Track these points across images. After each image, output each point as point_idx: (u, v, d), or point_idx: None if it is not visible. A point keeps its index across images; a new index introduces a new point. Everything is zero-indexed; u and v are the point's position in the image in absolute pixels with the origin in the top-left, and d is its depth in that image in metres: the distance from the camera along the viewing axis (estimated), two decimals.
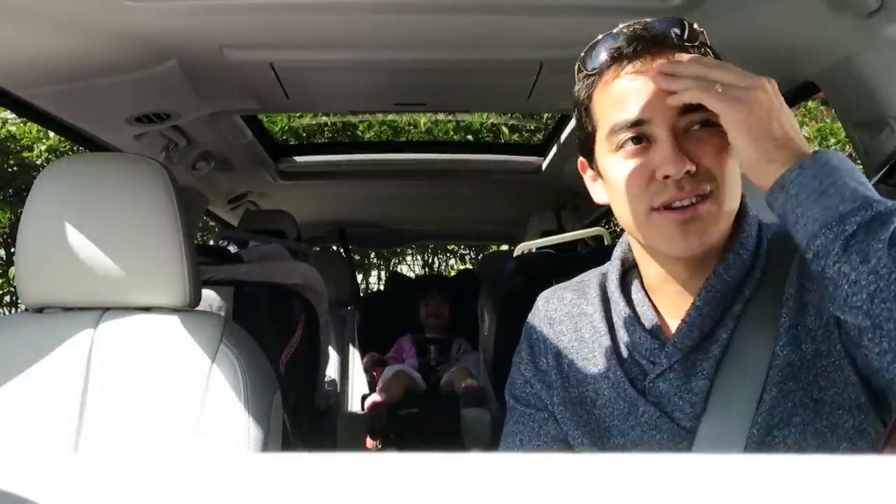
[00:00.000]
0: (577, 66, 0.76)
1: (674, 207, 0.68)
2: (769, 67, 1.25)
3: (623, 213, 0.73)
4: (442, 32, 1.20)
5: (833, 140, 4.17)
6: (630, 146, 0.70)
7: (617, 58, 0.71)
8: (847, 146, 4.00)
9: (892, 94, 1.09)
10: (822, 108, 4.21)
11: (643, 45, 0.70)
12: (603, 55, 0.72)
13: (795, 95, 1.35)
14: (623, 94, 0.70)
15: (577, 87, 0.77)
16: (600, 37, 0.73)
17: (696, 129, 0.68)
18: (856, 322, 0.59)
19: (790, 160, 0.62)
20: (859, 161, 1.23)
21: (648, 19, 0.72)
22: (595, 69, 0.73)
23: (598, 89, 0.73)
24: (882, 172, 1.12)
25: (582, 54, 0.75)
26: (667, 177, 0.67)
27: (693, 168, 0.66)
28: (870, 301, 0.56)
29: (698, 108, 0.67)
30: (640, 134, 0.69)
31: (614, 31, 0.72)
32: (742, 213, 0.74)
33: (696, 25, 0.73)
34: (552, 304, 0.87)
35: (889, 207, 0.58)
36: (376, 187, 2.76)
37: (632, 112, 0.69)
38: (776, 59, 1.21)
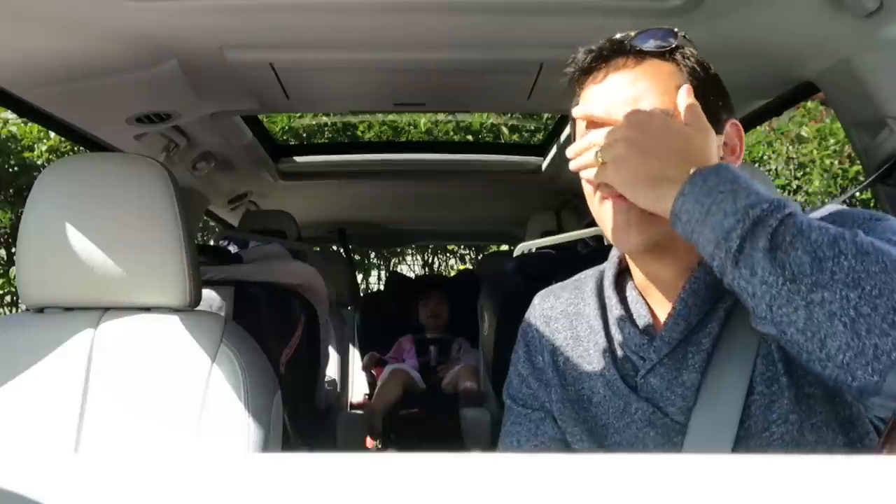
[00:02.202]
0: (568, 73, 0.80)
1: (622, 196, 0.70)
2: (769, 67, 1.26)
3: (589, 203, 0.77)
4: (442, 32, 1.20)
5: (833, 140, 4.17)
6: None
7: (587, 70, 0.76)
8: (847, 146, 4.00)
9: (891, 95, 1.09)
10: (821, 108, 4.20)
11: (609, 58, 0.74)
12: (576, 67, 0.77)
13: (795, 95, 1.36)
14: (593, 98, 0.75)
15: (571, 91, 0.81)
16: (582, 49, 0.77)
17: None
18: (767, 332, 0.59)
19: (674, 189, 0.62)
20: (859, 161, 1.23)
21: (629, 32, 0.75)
22: (572, 80, 0.78)
23: (577, 98, 0.78)
24: (881, 172, 1.12)
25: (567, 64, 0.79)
26: None
27: None
28: (769, 310, 0.57)
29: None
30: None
31: (597, 43, 0.76)
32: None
33: (678, 38, 0.74)
34: (548, 303, 0.88)
35: (766, 209, 0.57)
36: (376, 187, 2.76)
37: (594, 108, 0.73)
38: (776, 59, 1.21)
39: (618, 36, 0.75)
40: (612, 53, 0.74)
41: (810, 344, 0.55)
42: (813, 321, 0.54)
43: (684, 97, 0.68)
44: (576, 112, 0.75)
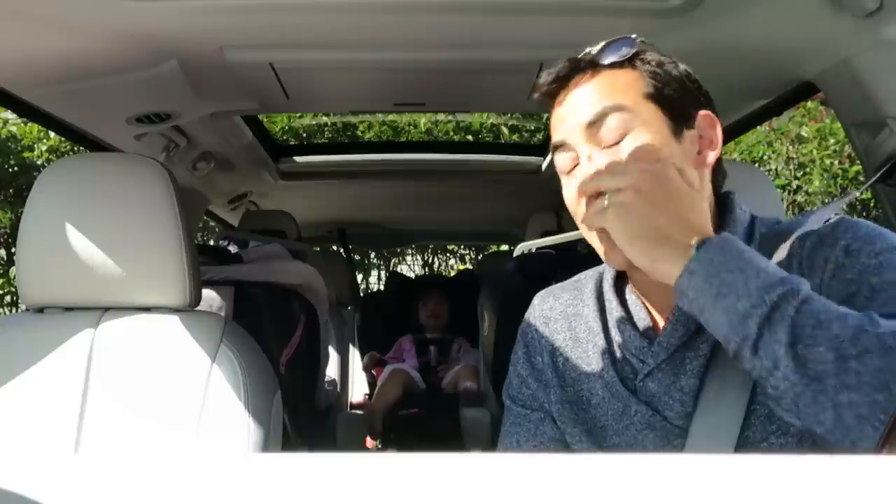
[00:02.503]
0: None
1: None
2: (769, 67, 1.26)
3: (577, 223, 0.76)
4: (442, 32, 1.20)
5: (833, 140, 4.16)
6: (566, 166, 0.74)
7: (548, 94, 0.76)
8: (847, 146, 4.00)
9: (891, 95, 1.09)
10: (821, 108, 4.20)
11: (563, 74, 0.74)
12: (541, 88, 0.77)
13: (795, 95, 1.36)
14: (554, 122, 0.76)
15: None
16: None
17: (607, 146, 0.70)
18: (794, 423, 0.57)
19: (674, 254, 0.61)
20: (859, 161, 1.23)
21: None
22: (542, 106, 0.78)
23: (551, 122, 0.78)
24: (881, 173, 1.12)
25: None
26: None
27: None
28: (794, 406, 0.55)
29: (601, 116, 0.70)
30: (568, 153, 0.73)
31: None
32: (727, 209, 0.75)
33: (636, 45, 0.74)
34: (548, 303, 0.87)
35: (781, 294, 0.55)
36: (376, 187, 2.76)
37: (556, 136, 0.75)
38: (776, 60, 1.21)
39: (583, 55, 0.75)
40: (569, 73, 0.74)
41: (840, 443, 0.54)
42: (842, 423, 0.53)
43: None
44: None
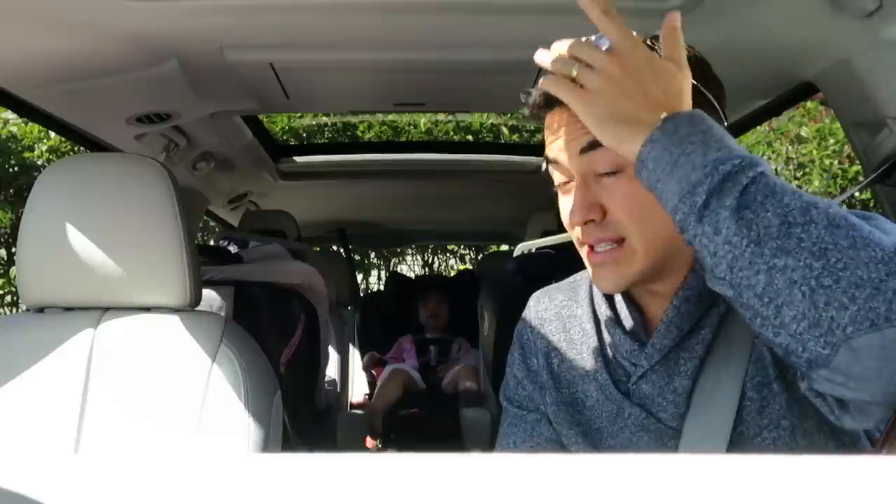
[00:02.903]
0: None
1: (592, 248, 0.70)
2: (769, 67, 1.26)
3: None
4: (442, 32, 1.20)
5: (832, 140, 4.16)
6: (560, 183, 0.73)
7: (538, 106, 0.73)
8: (846, 146, 4.00)
9: (890, 95, 1.09)
10: (821, 108, 4.20)
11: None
12: (533, 100, 0.74)
13: (795, 95, 1.36)
14: (548, 135, 0.73)
15: None
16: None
17: (606, 177, 0.68)
18: (724, 293, 0.57)
19: (643, 134, 0.59)
20: (858, 161, 1.24)
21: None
22: (533, 112, 0.75)
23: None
24: (880, 172, 1.12)
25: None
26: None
27: (597, 216, 0.68)
28: (729, 271, 0.55)
29: (593, 146, 0.67)
30: (563, 172, 0.72)
31: None
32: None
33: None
34: (543, 304, 0.87)
35: (736, 165, 0.55)
36: (376, 187, 2.76)
37: (550, 153, 0.73)
38: (776, 60, 1.21)
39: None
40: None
41: (766, 310, 0.53)
42: (772, 287, 0.53)
43: (669, 31, 0.64)
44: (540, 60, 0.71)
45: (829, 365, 0.51)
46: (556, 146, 0.72)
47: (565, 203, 0.73)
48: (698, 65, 0.72)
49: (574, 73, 0.63)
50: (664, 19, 0.68)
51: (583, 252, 0.73)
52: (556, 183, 0.74)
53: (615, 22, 0.63)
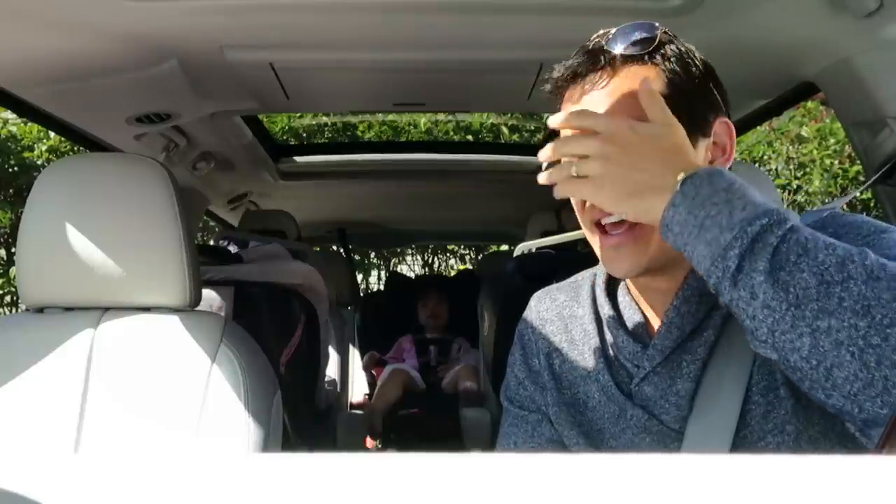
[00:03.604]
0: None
1: (606, 230, 0.70)
2: (769, 67, 1.26)
3: (582, 225, 0.75)
4: (442, 32, 1.20)
5: (833, 140, 4.16)
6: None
7: (563, 84, 0.73)
8: (847, 146, 4.00)
9: (891, 95, 1.08)
10: (821, 108, 4.20)
11: (582, 68, 0.71)
12: (553, 82, 0.74)
13: (795, 95, 1.36)
14: (568, 108, 0.72)
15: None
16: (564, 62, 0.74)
17: None
18: (769, 356, 0.56)
19: (663, 200, 0.59)
20: (859, 161, 1.23)
21: (613, 30, 0.72)
22: (552, 94, 0.76)
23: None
24: (881, 172, 1.12)
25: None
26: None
27: None
28: (771, 335, 0.54)
29: None
30: None
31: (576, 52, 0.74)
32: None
33: (658, 34, 0.70)
34: (544, 305, 0.87)
35: (765, 225, 0.54)
36: (376, 187, 2.76)
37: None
38: (776, 59, 1.21)
39: (596, 36, 0.72)
40: (586, 69, 0.71)
41: (815, 372, 0.52)
42: (818, 349, 0.51)
43: (645, 94, 0.64)
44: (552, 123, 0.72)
45: (885, 423, 0.50)
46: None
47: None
48: (707, 67, 0.72)
49: (573, 172, 0.62)
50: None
51: (594, 240, 0.72)
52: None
53: (586, 111, 0.64)
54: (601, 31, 0.72)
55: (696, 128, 0.69)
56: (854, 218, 0.67)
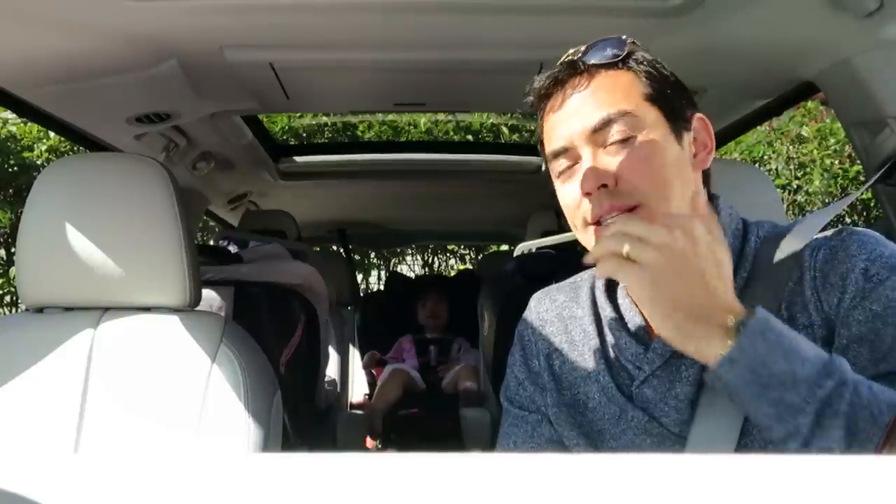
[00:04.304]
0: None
1: (600, 225, 0.69)
2: (769, 67, 1.26)
3: (575, 230, 0.75)
4: (442, 32, 1.20)
5: (833, 140, 4.16)
6: (564, 170, 0.73)
7: (546, 94, 0.75)
8: (847, 146, 4.00)
9: (891, 95, 1.08)
10: (822, 108, 4.20)
11: (563, 75, 0.73)
12: (536, 92, 0.76)
13: (795, 95, 1.35)
14: (551, 128, 0.74)
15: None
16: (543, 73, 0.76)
17: (612, 144, 0.69)
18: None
19: (715, 340, 0.57)
20: (859, 161, 1.23)
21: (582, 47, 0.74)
22: (534, 105, 0.77)
23: (542, 126, 0.77)
24: (881, 172, 1.12)
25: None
26: (588, 193, 0.69)
27: (610, 182, 0.68)
28: (804, 446, 0.55)
29: (605, 124, 0.69)
30: (569, 158, 0.72)
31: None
32: (712, 213, 0.74)
33: (627, 45, 0.73)
34: (544, 305, 0.87)
35: (832, 389, 0.54)
36: (376, 187, 2.76)
37: (557, 142, 0.73)
38: (776, 59, 1.21)
39: (569, 55, 0.74)
40: (566, 76, 0.73)
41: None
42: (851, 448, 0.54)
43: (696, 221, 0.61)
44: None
45: None
46: (563, 134, 0.72)
47: (570, 186, 0.72)
48: (660, 73, 0.74)
49: (626, 249, 0.59)
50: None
51: (587, 236, 0.72)
52: (558, 172, 0.74)
53: (673, 215, 0.63)
54: (572, 50, 0.75)
55: (681, 122, 0.71)
56: (880, 248, 0.66)
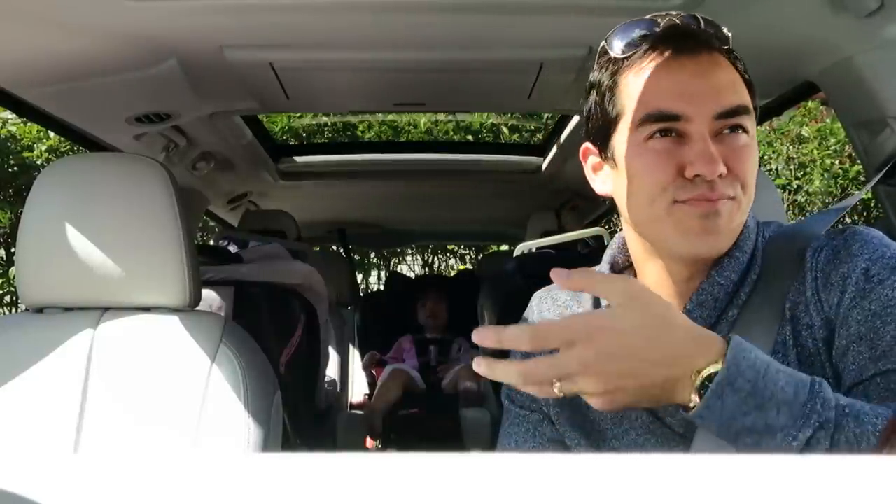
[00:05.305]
0: (600, 49, 0.73)
1: (707, 199, 0.65)
2: (770, 67, 1.26)
3: (641, 203, 0.69)
4: (442, 32, 1.20)
5: (833, 140, 4.16)
6: (659, 137, 0.66)
7: (655, 46, 0.67)
8: (847, 146, 4.00)
9: (892, 94, 1.08)
10: (822, 108, 4.20)
11: (683, 38, 0.67)
12: (637, 40, 0.68)
13: (796, 95, 1.35)
14: (661, 85, 0.66)
15: (598, 71, 0.73)
16: (629, 21, 0.70)
17: (727, 132, 0.66)
18: None
19: (683, 392, 0.56)
20: (859, 161, 1.23)
21: (674, 12, 0.69)
22: (626, 53, 0.69)
23: (630, 74, 0.69)
24: (882, 173, 1.12)
25: (608, 36, 0.72)
26: (696, 176, 0.64)
27: (725, 171, 0.64)
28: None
29: (734, 113, 0.66)
30: (671, 128, 0.66)
31: (646, 17, 0.70)
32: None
33: (725, 29, 0.70)
34: (545, 304, 0.87)
35: (810, 437, 0.53)
36: (376, 187, 2.76)
37: (670, 105, 0.66)
38: (777, 59, 1.21)
39: (669, 15, 0.68)
40: (679, 38, 0.66)
41: None
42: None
43: (586, 278, 0.60)
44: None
45: None
46: (676, 98, 0.66)
47: (665, 156, 0.66)
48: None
49: (557, 391, 0.57)
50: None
51: (662, 212, 0.67)
52: (647, 136, 0.67)
53: (543, 326, 0.60)
54: (662, 13, 0.69)
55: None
56: (882, 249, 0.66)
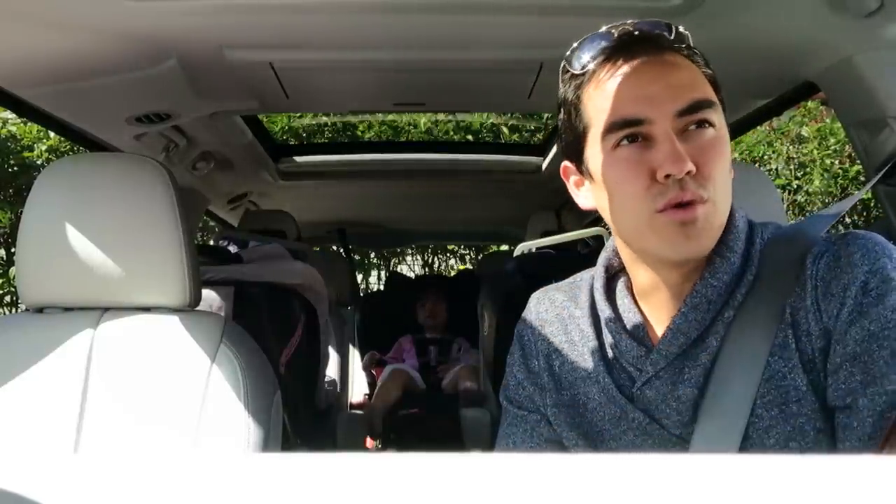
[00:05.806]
0: (562, 67, 0.74)
1: (676, 206, 0.65)
2: (769, 67, 1.26)
3: (622, 216, 0.70)
4: (442, 32, 1.20)
5: (833, 140, 4.16)
6: (626, 145, 0.67)
7: (610, 56, 0.69)
8: (847, 146, 4.00)
9: (892, 95, 1.09)
10: (822, 108, 4.20)
11: (637, 45, 0.68)
12: (594, 53, 0.70)
13: (796, 95, 1.35)
14: (620, 93, 0.67)
15: (562, 88, 0.74)
16: (586, 36, 0.71)
17: (693, 128, 0.66)
18: None
19: None
20: (859, 161, 1.23)
21: (634, 20, 0.70)
22: (585, 68, 0.71)
23: (591, 88, 0.70)
24: (882, 173, 1.12)
25: (568, 54, 0.73)
26: (667, 176, 0.64)
27: (693, 168, 0.64)
28: None
29: (695, 108, 0.66)
30: (637, 133, 0.66)
31: (601, 30, 0.71)
32: (730, 216, 0.71)
33: (681, 28, 0.70)
34: (543, 305, 0.86)
35: None
36: (376, 187, 2.76)
37: (631, 111, 0.66)
38: (776, 59, 1.21)
39: (623, 25, 0.69)
40: (633, 44, 0.67)
41: None
42: None
43: None
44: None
45: None
46: (635, 103, 0.66)
47: (635, 164, 0.66)
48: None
49: None
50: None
51: (646, 224, 0.67)
52: (615, 144, 0.68)
53: None
54: (617, 23, 0.70)
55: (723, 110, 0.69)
56: (882, 258, 0.65)
